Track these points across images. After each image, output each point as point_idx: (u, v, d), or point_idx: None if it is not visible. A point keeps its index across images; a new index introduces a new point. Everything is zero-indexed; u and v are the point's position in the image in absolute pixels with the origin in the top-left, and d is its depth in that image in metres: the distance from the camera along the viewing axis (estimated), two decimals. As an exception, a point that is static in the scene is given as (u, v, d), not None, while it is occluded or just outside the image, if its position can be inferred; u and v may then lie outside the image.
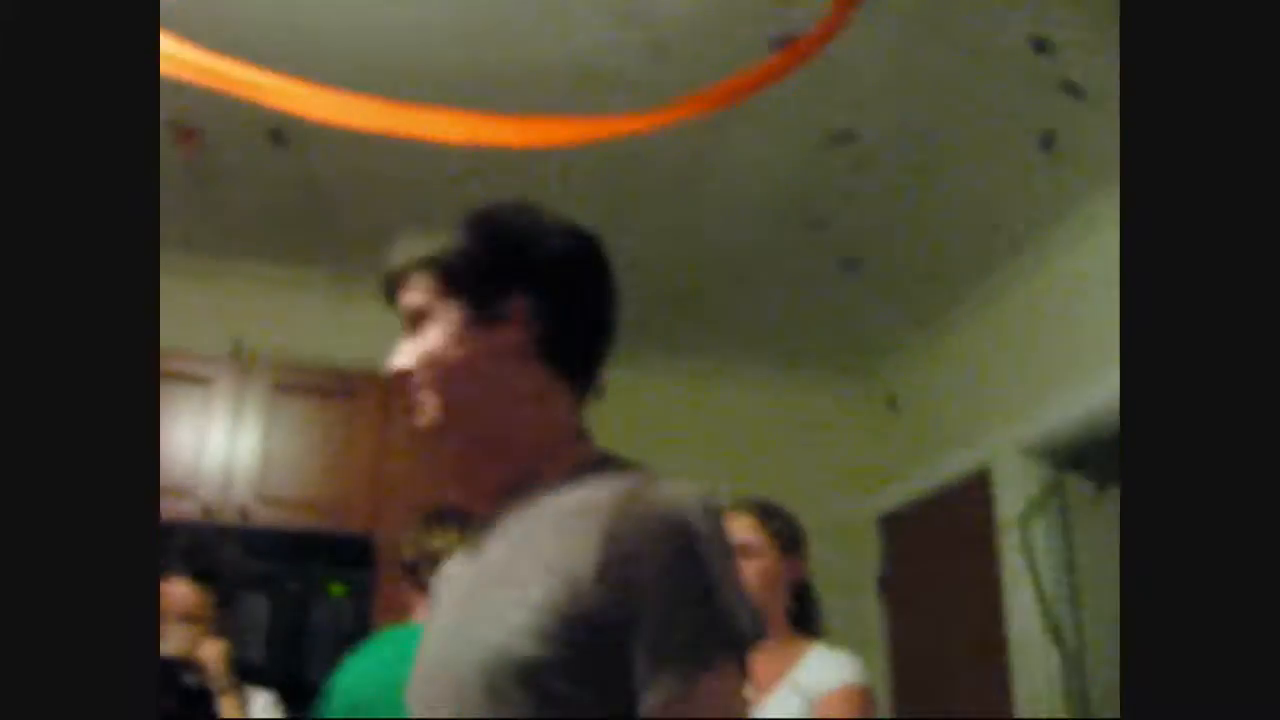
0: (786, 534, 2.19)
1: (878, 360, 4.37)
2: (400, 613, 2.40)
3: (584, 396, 1.17)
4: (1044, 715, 3.24)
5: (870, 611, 4.19)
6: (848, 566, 4.06)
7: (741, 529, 2.13)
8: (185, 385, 3.36)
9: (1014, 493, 3.51)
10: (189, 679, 2.12)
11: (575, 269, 1.16)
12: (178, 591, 2.29)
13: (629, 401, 3.66)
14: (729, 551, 1.02)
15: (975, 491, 3.69)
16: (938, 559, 3.93)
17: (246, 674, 2.39)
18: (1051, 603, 3.32)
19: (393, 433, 3.37)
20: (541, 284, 1.13)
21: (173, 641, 2.21)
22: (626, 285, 1.21)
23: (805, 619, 2.19)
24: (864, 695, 2.05)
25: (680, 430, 4.13)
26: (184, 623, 2.26)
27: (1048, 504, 3.45)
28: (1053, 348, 3.41)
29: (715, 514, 1.01)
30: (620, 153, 2.92)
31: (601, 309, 1.18)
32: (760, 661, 1.81)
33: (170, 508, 3.08)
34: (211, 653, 2.22)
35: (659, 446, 3.11)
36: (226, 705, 2.19)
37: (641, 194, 3.27)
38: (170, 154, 2.93)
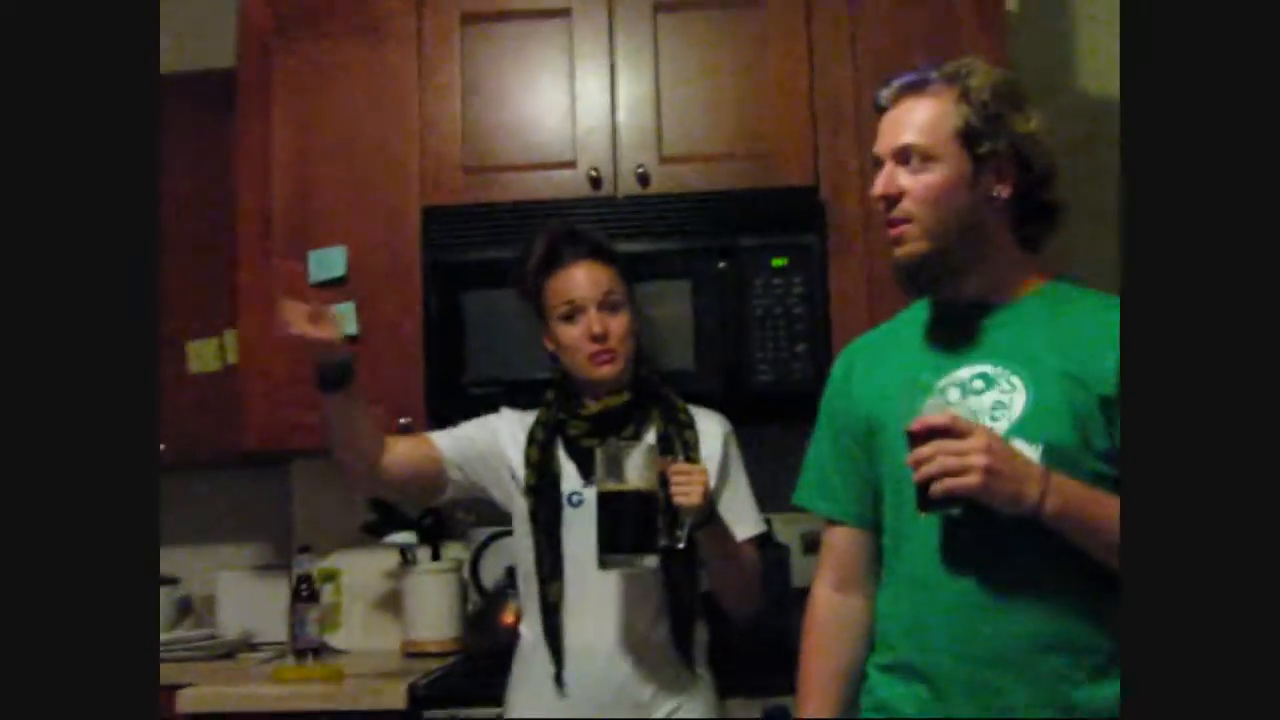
0: None
1: None
2: (855, 287, 2.28)
3: None
4: None
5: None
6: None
7: None
8: (535, 23, 2.52)
9: None
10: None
11: None
12: (585, 277, 1.92)
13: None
14: None
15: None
16: None
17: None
18: None
19: (820, 35, 2.46)
20: None
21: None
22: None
23: None
24: None
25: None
26: (603, 310, 1.89)
27: None
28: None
29: None
30: None
31: None
32: None
33: (546, 183, 2.47)
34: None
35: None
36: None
37: None
38: None
